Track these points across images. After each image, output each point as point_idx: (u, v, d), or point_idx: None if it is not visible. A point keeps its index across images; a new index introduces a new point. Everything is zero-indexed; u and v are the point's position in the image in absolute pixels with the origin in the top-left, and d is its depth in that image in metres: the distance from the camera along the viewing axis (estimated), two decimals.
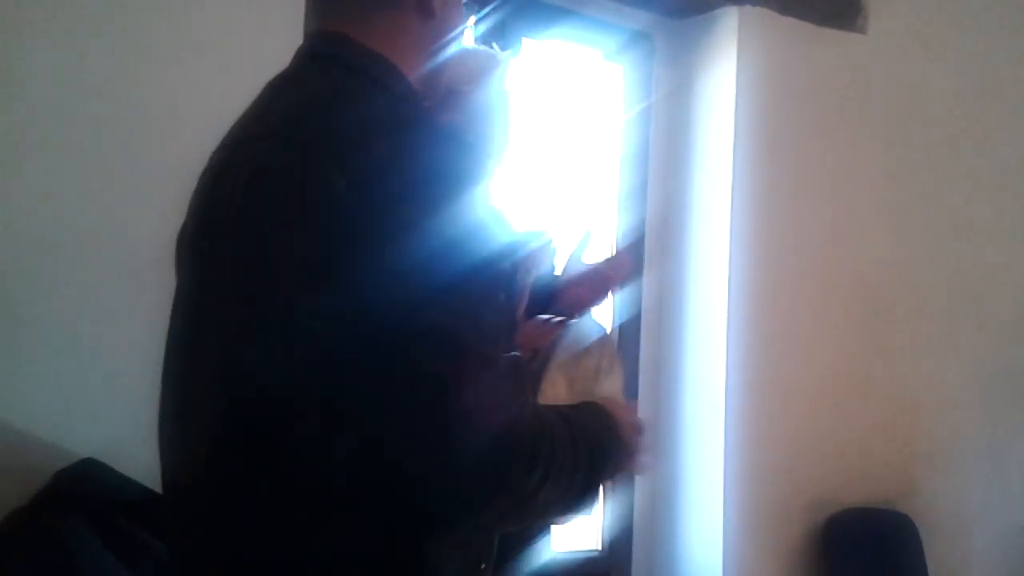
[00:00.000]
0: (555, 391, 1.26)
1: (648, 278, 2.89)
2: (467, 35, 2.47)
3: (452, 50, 1.22)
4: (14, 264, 1.76)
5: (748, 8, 2.79)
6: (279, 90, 1.03)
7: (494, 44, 1.80)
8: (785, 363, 2.89)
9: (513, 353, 0.91)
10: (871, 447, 3.08)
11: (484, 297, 0.88)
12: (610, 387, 1.35)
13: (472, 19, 2.07)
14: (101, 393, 1.90)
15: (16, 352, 1.81)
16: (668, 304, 2.93)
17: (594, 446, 0.97)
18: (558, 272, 1.63)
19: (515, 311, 1.18)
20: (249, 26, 1.95)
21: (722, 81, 2.84)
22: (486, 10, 2.42)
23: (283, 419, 0.87)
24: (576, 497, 0.95)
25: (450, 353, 0.83)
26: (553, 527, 1.56)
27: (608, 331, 1.49)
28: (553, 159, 2.69)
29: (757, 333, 2.82)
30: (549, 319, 1.41)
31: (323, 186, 0.85)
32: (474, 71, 1.57)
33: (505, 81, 1.61)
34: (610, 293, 1.53)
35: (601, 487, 1.02)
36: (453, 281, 0.84)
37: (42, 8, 1.75)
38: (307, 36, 1.09)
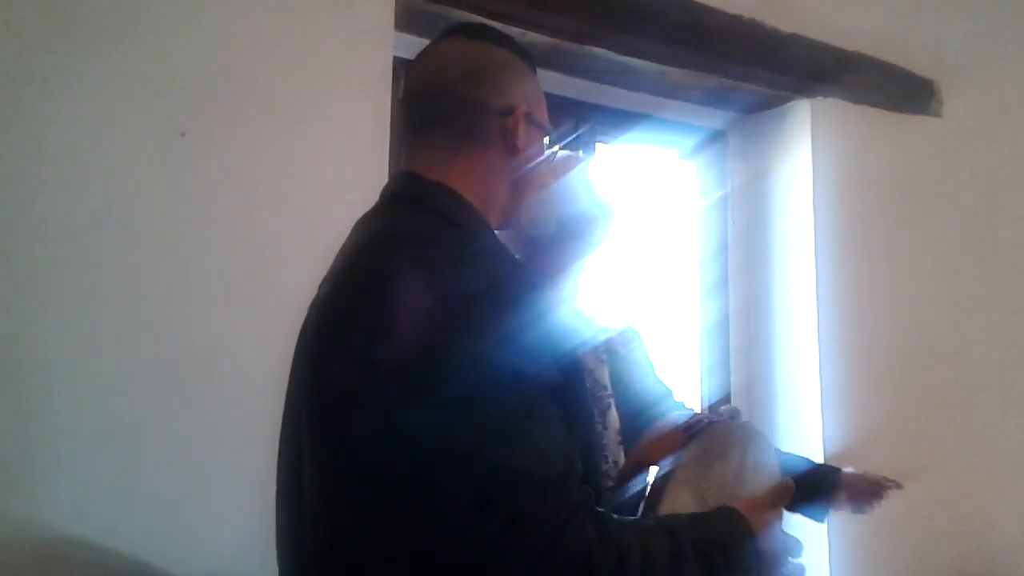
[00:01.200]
0: (676, 506, 1.19)
1: (736, 373, 2.86)
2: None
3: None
4: (126, 386, 1.81)
5: (820, 100, 2.80)
6: (360, 230, 1.07)
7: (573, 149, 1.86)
8: (879, 456, 2.81)
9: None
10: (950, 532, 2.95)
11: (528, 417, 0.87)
12: (758, 486, 1.25)
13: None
14: (210, 519, 1.92)
15: (127, 479, 1.85)
16: (757, 396, 2.89)
17: (711, 550, 0.95)
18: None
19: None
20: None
21: (798, 171, 2.84)
22: (565, 122, 2.49)
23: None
24: None
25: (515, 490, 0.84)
26: None
27: (747, 428, 1.38)
28: (634, 258, 2.72)
29: (850, 426, 2.75)
30: (683, 425, 1.37)
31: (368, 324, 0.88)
32: (556, 171, 1.62)
33: (586, 180, 1.66)
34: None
35: None
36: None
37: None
38: (392, 176, 1.15)
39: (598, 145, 2.66)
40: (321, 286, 1.05)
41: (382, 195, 1.11)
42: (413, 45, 2.09)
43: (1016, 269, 3.20)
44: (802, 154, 2.84)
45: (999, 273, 3.16)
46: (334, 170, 1.93)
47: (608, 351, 1.70)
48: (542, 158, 1.15)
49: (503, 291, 0.90)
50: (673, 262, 2.89)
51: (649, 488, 1.30)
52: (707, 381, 2.86)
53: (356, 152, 1.95)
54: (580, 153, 1.84)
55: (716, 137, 2.93)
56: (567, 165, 1.68)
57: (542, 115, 1.15)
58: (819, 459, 2.67)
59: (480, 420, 0.83)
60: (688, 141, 2.89)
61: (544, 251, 1.59)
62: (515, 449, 0.84)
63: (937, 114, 3.05)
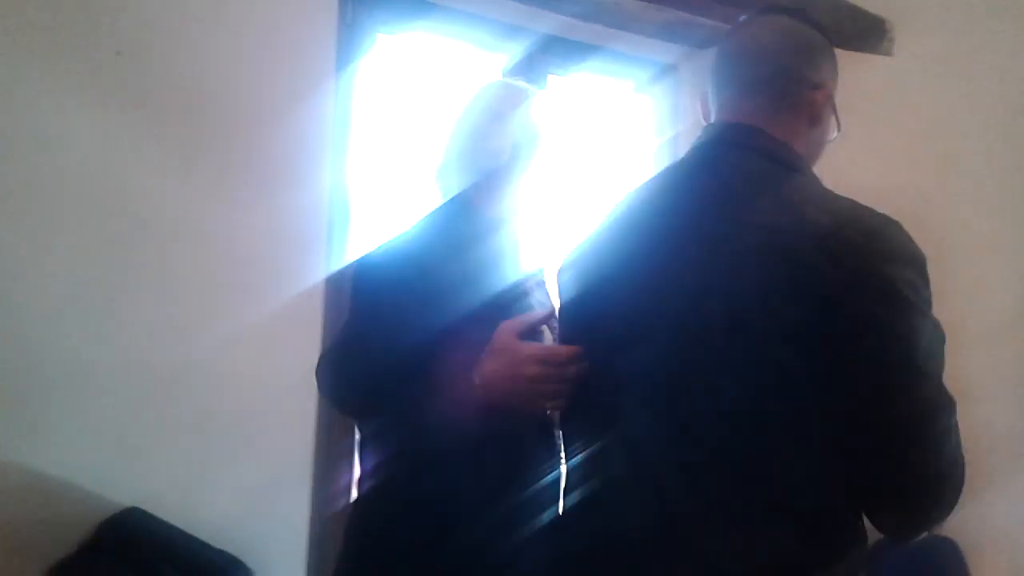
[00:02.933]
0: None
1: None
2: (495, 71, 2.50)
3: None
4: (65, 315, 1.78)
5: None
6: (711, 173, 1.21)
7: (522, 79, 1.85)
8: None
9: None
10: None
11: None
12: None
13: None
14: (145, 443, 1.91)
15: (62, 403, 1.83)
16: None
17: None
18: None
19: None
20: None
21: None
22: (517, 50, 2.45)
23: None
24: None
25: None
26: None
27: None
28: (584, 191, 2.70)
29: None
30: None
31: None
32: (503, 104, 1.65)
33: (532, 114, 1.67)
34: None
35: None
36: None
37: None
38: (709, 127, 1.28)
39: (551, 75, 2.62)
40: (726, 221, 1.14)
41: (706, 142, 1.25)
42: None
43: (963, 207, 3.24)
44: None
45: (945, 212, 3.20)
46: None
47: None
48: (829, 137, 1.33)
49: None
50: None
51: None
52: None
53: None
54: (529, 82, 1.82)
55: (668, 71, 2.89)
56: (517, 95, 1.69)
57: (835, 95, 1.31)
58: None
59: None
60: (642, 74, 2.85)
61: (497, 179, 1.61)
62: None
63: (888, 53, 3.05)
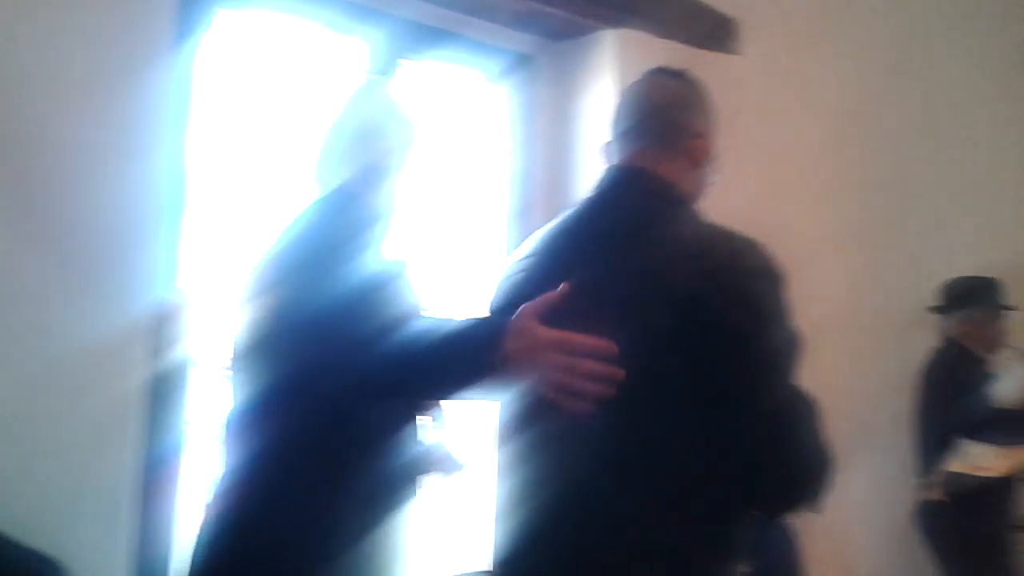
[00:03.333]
0: None
1: None
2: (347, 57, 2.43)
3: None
4: None
5: (627, 32, 2.82)
6: (609, 208, 1.44)
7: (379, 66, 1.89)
8: None
9: None
10: None
11: None
12: None
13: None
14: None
15: None
16: None
17: None
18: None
19: None
20: None
21: (603, 102, 2.86)
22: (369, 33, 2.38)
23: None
24: None
25: None
26: None
27: None
28: (439, 182, 2.66)
29: None
30: None
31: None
32: (382, 103, 1.74)
33: (408, 111, 1.75)
34: None
35: None
36: None
37: None
38: (608, 169, 1.51)
39: (403, 61, 2.55)
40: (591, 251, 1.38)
41: (605, 183, 1.49)
42: None
43: (803, 206, 3.39)
44: (608, 84, 2.86)
45: (788, 209, 3.34)
46: None
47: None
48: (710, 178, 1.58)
49: None
50: (479, 188, 2.85)
51: None
52: None
53: None
54: (385, 69, 1.85)
55: (524, 61, 2.88)
56: (393, 93, 1.78)
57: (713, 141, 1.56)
58: None
59: None
60: (497, 64, 2.83)
61: (378, 173, 1.69)
62: None
63: (736, 52, 3.15)
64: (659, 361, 1.22)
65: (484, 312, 1.53)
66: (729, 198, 3.12)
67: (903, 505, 3.40)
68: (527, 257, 1.48)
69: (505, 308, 1.36)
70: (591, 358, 1.17)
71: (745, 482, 1.25)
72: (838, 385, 3.28)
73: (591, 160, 2.87)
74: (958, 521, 3.20)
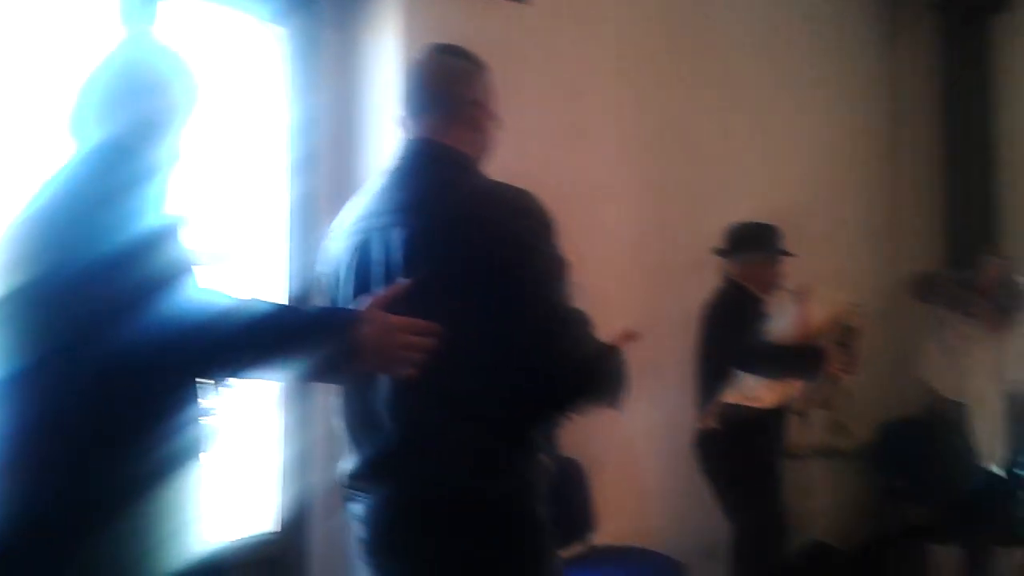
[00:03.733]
0: None
1: None
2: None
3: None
4: None
5: None
6: (409, 177, 1.69)
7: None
8: None
9: None
10: None
11: None
12: None
13: None
14: None
15: None
16: None
17: None
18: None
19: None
20: None
21: (391, 46, 2.80)
22: None
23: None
24: None
25: None
26: None
27: None
28: (216, 132, 2.54)
29: None
30: None
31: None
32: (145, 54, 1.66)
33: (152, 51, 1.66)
34: None
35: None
36: None
37: None
38: (407, 142, 1.73)
39: (163, 3, 2.40)
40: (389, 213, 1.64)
41: (403, 155, 1.72)
42: None
43: (595, 153, 3.46)
44: (395, 29, 2.79)
45: (580, 155, 3.40)
46: None
47: None
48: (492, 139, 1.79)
49: None
50: (257, 136, 2.74)
51: None
52: (296, 272, 2.79)
53: None
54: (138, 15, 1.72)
55: (307, 2, 2.77)
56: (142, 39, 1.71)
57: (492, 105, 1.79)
58: None
59: None
60: (277, 3, 2.70)
61: (151, 126, 1.60)
62: None
63: (526, 1, 3.13)
64: (456, 298, 1.52)
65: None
66: (524, 147, 3.18)
67: (687, 434, 3.60)
68: (347, 226, 1.72)
69: (334, 282, 1.71)
70: (419, 335, 1.46)
71: (530, 386, 1.55)
72: (630, 320, 3.42)
73: (381, 106, 2.83)
74: (732, 449, 3.39)
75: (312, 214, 2.77)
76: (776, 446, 3.54)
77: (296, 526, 2.76)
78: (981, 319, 3.60)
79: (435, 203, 1.62)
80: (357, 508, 1.68)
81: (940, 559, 3.72)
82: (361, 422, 1.66)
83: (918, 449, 3.90)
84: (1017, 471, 3.61)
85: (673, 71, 3.78)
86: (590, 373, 1.60)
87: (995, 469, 3.57)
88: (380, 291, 1.54)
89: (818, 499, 4.09)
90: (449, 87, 1.72)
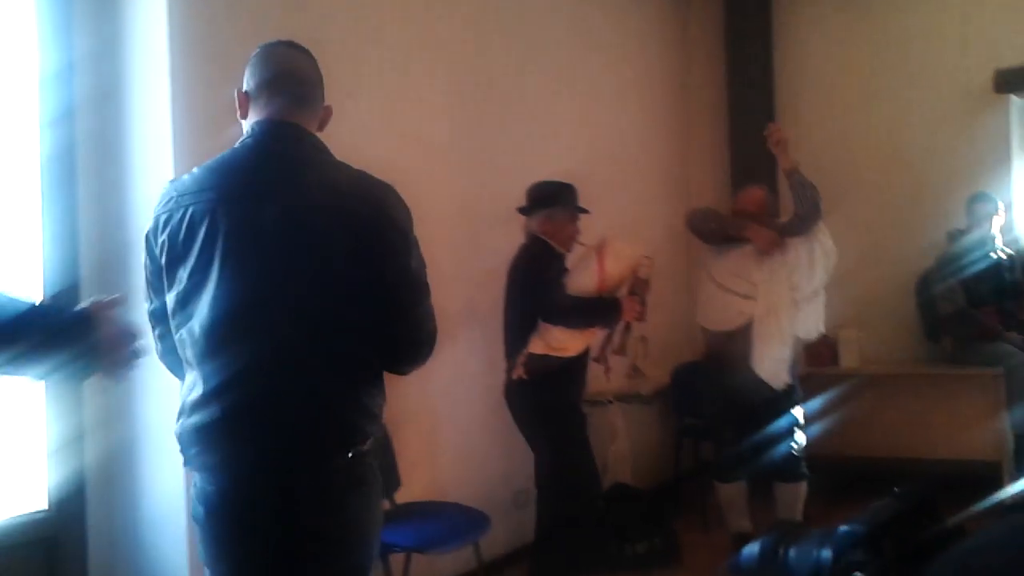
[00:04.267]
0: None
1: (85, 219, 2.63)
2: None
3: None
4: None
5: None
6: (259, 152, 1.84)
7: None
8: None
9: None
10: None
11: None
12: None
13: None
14: None
15: None
16: (111, 238, 2.71)
17: None
18: None
19: None
20: None
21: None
22: None
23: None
24: None
25: None
26: None
27: None
28: None
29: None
30: None
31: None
32: None
33: None
34: None
35: None
36: None
37: None
38: (263, 122, 1.85)
39: None
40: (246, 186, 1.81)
41: (262, 132, 1.85)
42: None
43: (423, 120, 3.41)
44: None
45: (412, 123, 3.35)
46: None
47: None
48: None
49: None
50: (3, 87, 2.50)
51: None
52: (51, 250, 2.58)
53: None
54: None
55: None
56: None
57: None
58: None
59: None
60: None
61: None
62: None
63: None
64: (337, 270, 1.74)
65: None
66: (365, 116, 3.11)
67: (488, 389, 3.66)
68: (190, 192, 1.79)
69: (158, 247, 1.80)
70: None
71: (384, 348, 1.80)
72: (451, 274, 3.43)
73: (142, 60, 2.63)
74: (541, 397, 3.49)
75: (68, 173, 2.56)
76: (581, 391, 3.67)
77: (71, 503, 2.62)
78: (756, 243, 3.74)
79: (301, 179, 1.82)
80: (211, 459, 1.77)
81: (725, 493, 3.95)
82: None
83: (706, 388, 4.11)
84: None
85: (486, 40, 3.85)
86: (426, 346, 1.86)
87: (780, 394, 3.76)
88: (105, 297, 1.62)
89: (620, 442, 4.25)
90: (303, 78, 1.92)
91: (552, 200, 3.56)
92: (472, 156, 3.37)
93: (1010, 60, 4.59)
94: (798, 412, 3.88)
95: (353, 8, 3.28)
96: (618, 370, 3.99)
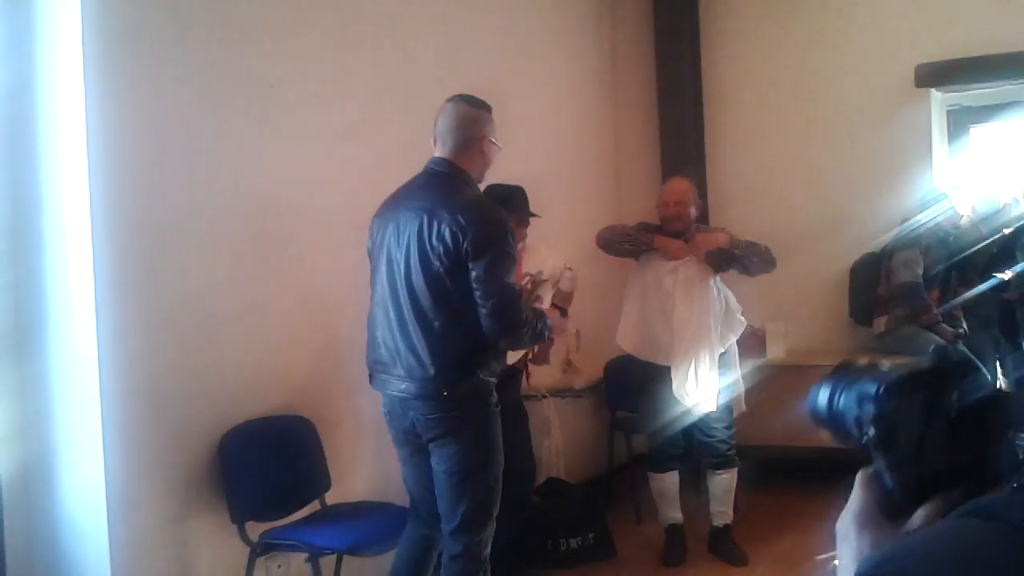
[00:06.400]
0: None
1: None
2: None
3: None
4: None
5: None
6: (431, 182, 2.77)
7: None
8: (167, 291, 2.78)
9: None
10: (268, 361, 3.13)
11: None
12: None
13: None
14: None
15: None
16: (22, 230, 2.60)
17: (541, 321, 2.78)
18: None
19: None
20: None
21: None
22: None
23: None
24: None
25: None
26: None
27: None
28: None
29: (128, 257, 2.65)
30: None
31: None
32: None
33: None
34: None
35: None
36: None
37: None
38: (433, 160, 2.79)
39: None
40: (415, 208, 2.70)
41: (434, 163, 2.79)
42: None
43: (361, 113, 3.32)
44: None
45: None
46: None
47: None
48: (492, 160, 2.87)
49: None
50: None
51: None
52: None
53: None
54: None
55: None
56: None
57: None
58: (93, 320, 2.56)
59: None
60: None
61: None
62: None
63: None
64: (438, 258, 2.59)
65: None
66: (291, 111, 3.03)
67: None
68: (391, 202, 2.79)
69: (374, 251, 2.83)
70: None
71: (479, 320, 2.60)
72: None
73: (57, 50, 2.53)
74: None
75: None
76: (518, 393, 3.68)
77: None
78: (665, 253, 3.74)
79: (444, 204, 2.61)
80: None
81: (658, 484, 3.96)
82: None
83: (635, 383, 4.11)
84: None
85: (410, 41, 3.79)
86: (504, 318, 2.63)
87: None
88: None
89: (554, 437, 4.24)
90: (469, 123, 2.75)
91: (503, 203, 3.51)
92: (399, 158, 3.28)
93: (930, 55, 4.70)
94: (729, 401, 3.91)
95: (277, 1, 3.20)
96: (539, 376, 3.97)
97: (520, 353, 3.53)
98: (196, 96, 2.88)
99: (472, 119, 2.74)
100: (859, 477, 0.82)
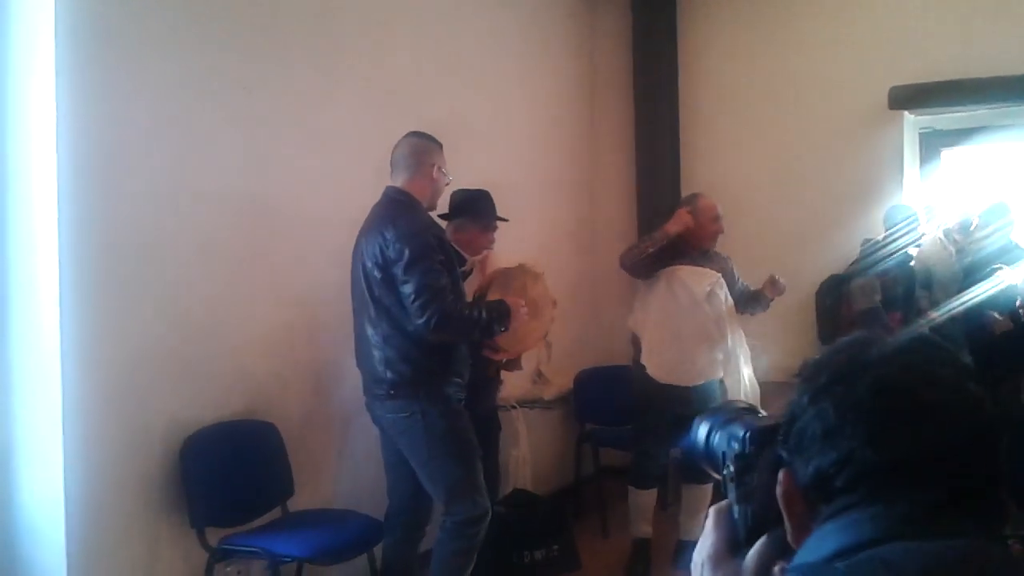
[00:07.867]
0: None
1: None
2: None
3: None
4: None
5: None
6: (383, 207, 3.07)
7: None
8: (131, 294, 2.75)
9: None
10: (234, 365, 3.11)
11: None
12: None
13: None
14: None
15: None
16: None
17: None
18: None
19: None
20: None
21: None
22: None
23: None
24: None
25: None
26: None
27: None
28: None
29: (92, 260, 2.63)
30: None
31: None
32: None
33: None
34: None
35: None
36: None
37: None
38: (388, 188, 3.11)
39: None
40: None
41: (386, 193, 3.11)
42: None
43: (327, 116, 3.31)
44: None
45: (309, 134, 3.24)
46: None
47: None
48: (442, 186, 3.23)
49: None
50: None
51: None
52: None
53: None
54: None
55: None
56: None
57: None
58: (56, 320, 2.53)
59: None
60: None
61: None
62: None
63: None
64: (376, 270, 2.89)
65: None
66: (269, 116, 3.01)
67: None
68: (363, 227, 3.04)
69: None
70: None
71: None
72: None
73: (29, 48, 2.50)
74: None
75: None
76: (493, 402, 3.70)
77: None
78: (670, 228, 3.69)
79: (384, 224, 2.92)
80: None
81: (638, 499, 3.95)
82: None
83: (609, 394, 4.11)
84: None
85: (391, 45, 3.79)
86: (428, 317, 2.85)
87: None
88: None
89: (521, 447, 4.23)
90: (420, 153, 3.08)
91: (460, 211, 3.51)
92: (379, 163, 3.29)
93: (904, 78, 4.74)
94: None
95: (252, 5, 3.19)
96: (509, 387, 3.96)
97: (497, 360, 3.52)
98: (169, 99, 2.86)
99: (422, 150, 3.09)
100: (711, 514, 0.96)
